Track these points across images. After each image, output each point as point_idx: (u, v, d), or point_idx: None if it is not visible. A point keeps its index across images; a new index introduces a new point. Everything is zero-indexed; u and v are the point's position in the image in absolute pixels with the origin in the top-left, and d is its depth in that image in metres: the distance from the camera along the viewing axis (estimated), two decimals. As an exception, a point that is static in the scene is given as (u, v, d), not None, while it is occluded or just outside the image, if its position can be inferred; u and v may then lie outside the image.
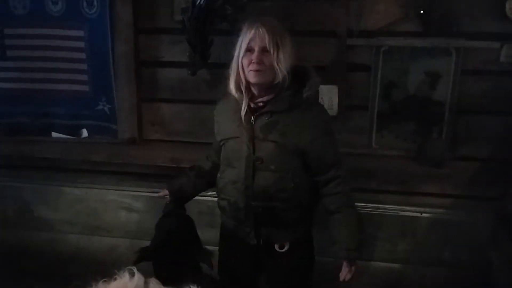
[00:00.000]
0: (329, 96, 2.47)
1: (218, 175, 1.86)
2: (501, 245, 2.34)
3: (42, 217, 2.86)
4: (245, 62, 1.63)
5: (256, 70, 1.61)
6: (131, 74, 2.65)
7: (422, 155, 2.46)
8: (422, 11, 2.30)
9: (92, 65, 2.69)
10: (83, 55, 2.68)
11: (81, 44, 2.66)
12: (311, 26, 2.43)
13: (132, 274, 1.13)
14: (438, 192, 2.50)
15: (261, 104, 1.70)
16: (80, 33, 2.64)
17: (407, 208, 2.52)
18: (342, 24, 2.38)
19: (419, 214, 2.50)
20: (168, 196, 2.03)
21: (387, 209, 2.53)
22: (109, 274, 2.74)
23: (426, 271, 2.54)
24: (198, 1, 2.24)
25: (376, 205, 2.53)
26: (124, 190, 2.77)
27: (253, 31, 1.61)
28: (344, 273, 1.79)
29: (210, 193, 2.08)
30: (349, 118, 2.54)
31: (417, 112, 2.47)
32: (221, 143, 1.82)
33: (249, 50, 1.63)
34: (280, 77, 1.63)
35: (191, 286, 0.91)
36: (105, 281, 1.17)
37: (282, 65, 1.61)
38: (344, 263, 1.79)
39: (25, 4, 2.66)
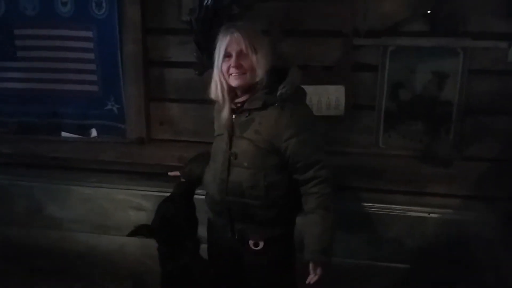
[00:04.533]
0: (335, 96, 2.48)
1: (205, 170, 1.93)
2: (509, 245, 2.33)
3: (52, 216, 2.89)
4: (225, 67, 1.71)
5: (237, 74, 1.68)
6: (139, 74, 2.67)
7: (430, 155, 2.45)
8: (429, 11, 2.30)
9: (101, 66, 2.71)
10: (92, 56, 2.70)
11: (90, 45, 2.69)
12: (318, 26, 2.43)
13: None
14: (445, 192, 2.49)
15: (239, 104, 1.76)
16: (89, 33, 2.67)
17: (415, 208, 2.51)
18: (348, 24, 2.38)
19: (427, 215, 2.50)
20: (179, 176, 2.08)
21: (395, 209, 2.52)
22: (118, 272, 2.77)
23: (433, 272, 2.53)
24: (206, 2, 2.26)
25: (383, 205, 2.53)
26: (132, 189, 2.79)
27: (228, 37, 1.69)
28: (310, 277, 1.74)
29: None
30: (356, 118, 2.54)
31: (425, 112, 2.46)
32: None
33: (227, 55, 1.71)
34: (259, 78, 1.69)
35: None
36: None
37: (260, 66, 1.68)
38: (310, 266, 1.73)
39: (35, 5, 2.69)
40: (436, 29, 2.31)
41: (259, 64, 1.67)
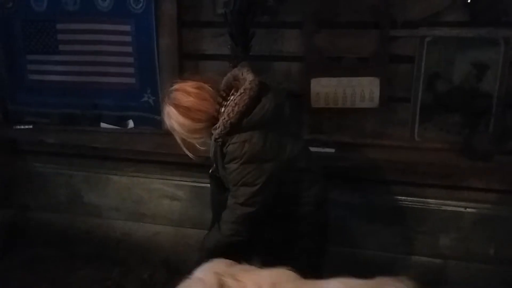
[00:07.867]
0: (370, 88, 2.45)
1: None
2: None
3: (91, 203, 3.01)
4: None
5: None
6: (174, 67, 2.72)
7: (468, 148, 2.39)
8: (469, 0, 2.23)
9: (138, 59, 2.79)
10: (130, 49, 2.78)
11: (128, 39, 2.76)
12: (353, 18, 2.41)
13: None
14: (483, 186, 2.43)
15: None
16: (127, 27, 2.74)
17: (451, 202, 2.46)
18: (385, 14, 2.35)
19: (463, 209, 2.45)
20: None
21: (430, 203, 2.49)
22: (152, 259, 2.84)
23: (469, 267, 2.48)
24: (240, -6, 2.28)
25: (419, 199, 2.49)
26: (167, 179, 2.86)
27: None
28: None
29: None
30: (391, 110, 2.50)
31: (463, 104, 2.40)
32: None
33: None
34: (201, 134, 1.80)
35: None
36: None
37: (191, 135, 1.80)
38: None
39: (76, 0, 2.79)
40: (476, 19, 2.25)
41: (188, 137, 1.81)
